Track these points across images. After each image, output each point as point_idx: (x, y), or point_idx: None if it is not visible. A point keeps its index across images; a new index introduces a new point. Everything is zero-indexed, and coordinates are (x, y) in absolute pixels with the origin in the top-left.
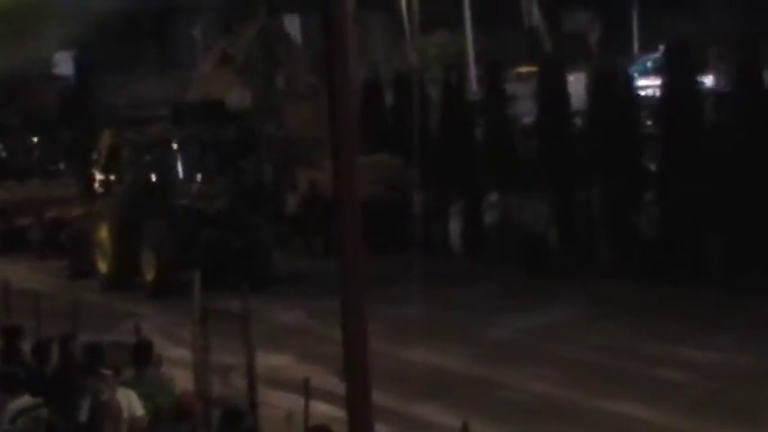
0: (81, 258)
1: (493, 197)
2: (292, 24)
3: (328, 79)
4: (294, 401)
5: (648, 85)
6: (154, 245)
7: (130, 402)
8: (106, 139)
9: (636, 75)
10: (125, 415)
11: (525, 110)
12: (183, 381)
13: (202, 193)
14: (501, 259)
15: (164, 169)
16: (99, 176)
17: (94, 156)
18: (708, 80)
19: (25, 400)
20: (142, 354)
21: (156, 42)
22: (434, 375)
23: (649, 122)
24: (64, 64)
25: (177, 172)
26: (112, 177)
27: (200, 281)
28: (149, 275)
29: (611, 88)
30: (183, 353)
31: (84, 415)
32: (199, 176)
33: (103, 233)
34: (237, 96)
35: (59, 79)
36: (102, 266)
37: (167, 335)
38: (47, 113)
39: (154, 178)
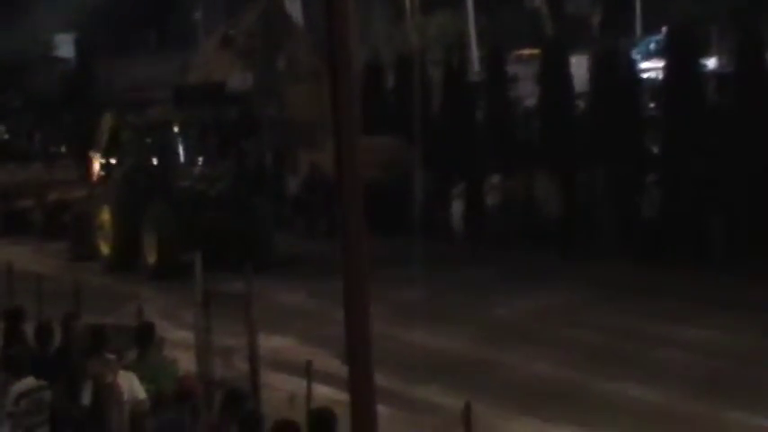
0: (83, 240)
1: (495, 179)
2: (294, 6)
3: (330, 61)
4: (296, 384)
5: (651, 68)
6: (155, 227)
7: (132, 385)
8: (107, 121)
9: (639, 57)
10: (126, 398)
11: (527, 92)
12: (185, 363)
13: (204, 175)
14: (503, 241)
15: (165, 151)
16: (100, 159)
17: (96, 138)
18: (711, 62)
19: (28, 381)
20: (144, 336)
21: (157, 25)
22: (436, 357)
23: (652, 105)
24: (65, 46)
25: (178, 154)
26: (113, 160)
27: (201, 263)
28: (151, 257)
29: (614, 71)
30: (185, 335)
31: (86, 398)
32: (200, 159)
33: (105, 215)
34: (239, 79)
35: (60, 62)
36: (104, 248)
37: (169, 317)
38: (48, 96)
39: (155, 160)
